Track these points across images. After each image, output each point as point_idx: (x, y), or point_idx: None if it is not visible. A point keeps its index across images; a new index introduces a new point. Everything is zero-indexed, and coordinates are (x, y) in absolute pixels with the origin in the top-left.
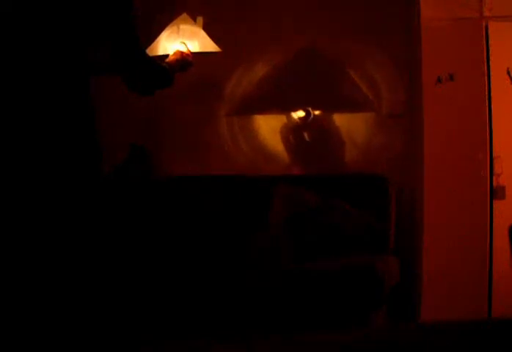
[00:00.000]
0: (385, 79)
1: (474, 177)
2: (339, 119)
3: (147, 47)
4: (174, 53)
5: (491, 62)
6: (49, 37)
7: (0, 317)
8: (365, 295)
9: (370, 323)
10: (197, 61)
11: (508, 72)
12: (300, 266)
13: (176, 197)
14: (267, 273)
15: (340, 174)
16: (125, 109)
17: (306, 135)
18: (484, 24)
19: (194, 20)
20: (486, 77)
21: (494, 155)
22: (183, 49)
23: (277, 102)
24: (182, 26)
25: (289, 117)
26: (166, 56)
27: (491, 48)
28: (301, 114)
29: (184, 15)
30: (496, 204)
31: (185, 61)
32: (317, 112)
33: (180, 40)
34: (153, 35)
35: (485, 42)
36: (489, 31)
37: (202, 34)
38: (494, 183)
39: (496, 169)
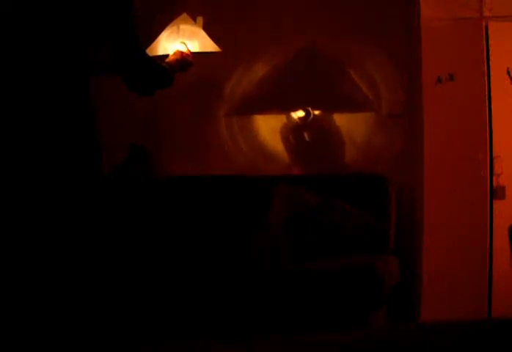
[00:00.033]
0: (385, 79)
1: (474, 177)
2: (339, 119)
3: (147, 47)
4: (174, 53)
5: (491, 62)
6: (49, 37)
7: (0, 317)
8: (365, 295)
9: (370, 323)
10: (197, 61)
11: (508, 72)
12: (300, 266)
13: (176, 197)
14: (267, 273)
15: (340, 174)
16: (125, 109)
17: (306, 135)
18: (484, 24)
19: (194, 20)
20: (486, 77)
21: (494, 155)
22: (183, 49)
23: (277, 102)
24: (182, 26)
25: (289, 117)
26: (166, 56)
27: (491, 48)
28: (301, 114)
29: (184, 15)
30: (496, 204)
31: (185, 61)
32: (317, 112)
33: (180, 40)
34: (153, 35)
35: (485, 42)
36: (489, 31)
37: (202, 34)
38: (494, 183)
39: (496, 169)
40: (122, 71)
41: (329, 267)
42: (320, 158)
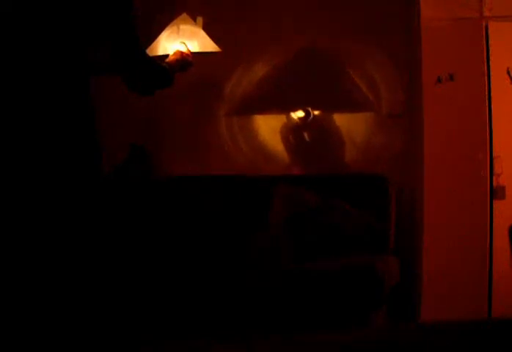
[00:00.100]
0: (385, 79)
1: (474, 177)
2: (339, 119)
3: (147, 47)
4: (174, 53)
5: (491, 62)
6: (49, 37)
7: (0, 317)
8: (365, 295)
9: (370, 323)
10: (197, 61)
11: (508, 72)
12: (300, 266)
13: (176, 197)
14: (267, 273)
15: (340, 174)
16: (125, 109)
17: (306, 135)
18: (484, 24)
19: (194, 20)
20: (486, 77)
21: (494, 155)
22: (183, 49)
23: (277, 102)
24: (182, 26)
25: (289, 117)
26: (166, 56)
27: (491, 48)
28: (300, 114)
29: (184, 15)
30: (496, 204)
31: (185, 61)
32: (317, 112)
33: (180, 40)
34: (153, 35)
35: (485, 42)
36: (489, 31)
37: (202, 34)
38: (494, 183)
39: (496, 169)
40: (122, 71)
41: (329, 267)
42: (320, 158)
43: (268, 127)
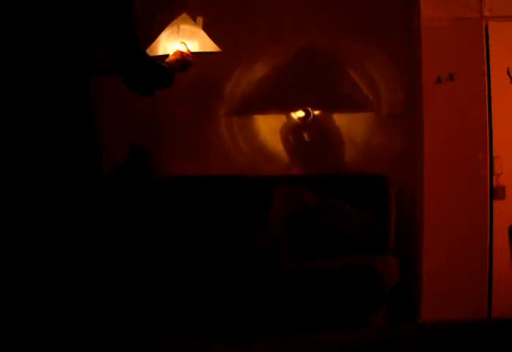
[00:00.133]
0: (385, 79)
1: (474, 177)
2: (339, 119)
3: (147, 47)
4: (174, 53)
5: (491, 62)
6: (49, 37)
7: (0, 317)
8: (365, 295)
9: (370, 323)
10: (197, 61)
11: (508, 72)
12: (300, 266)
13: (176, 197)
14: (267, 273)
15: (340, 174)
16: (125, 109)
17: (306, 135)
18: (484, 24)
19: (194, 20)
20: (486, 77)
21: (494, 155)
22: (183, 49)
23: (277, 102)
24: (182, 26)
25: (289, 117)
26: (166, 56)
27: (491, 48)
28: (300, 114)
29: (184, 15)
30: (496, 204)
31: (185, 61)
32: (317, 112)
33: (180, 40)
34: (153, 35)
35: (485, 42)
36: (489, 31)
37: (202, 34)
38: (494, 183)
39: (496, 169)
40: (122, 71)
41: (329, 267)
42: (320, 158)
43: (268, 127)
